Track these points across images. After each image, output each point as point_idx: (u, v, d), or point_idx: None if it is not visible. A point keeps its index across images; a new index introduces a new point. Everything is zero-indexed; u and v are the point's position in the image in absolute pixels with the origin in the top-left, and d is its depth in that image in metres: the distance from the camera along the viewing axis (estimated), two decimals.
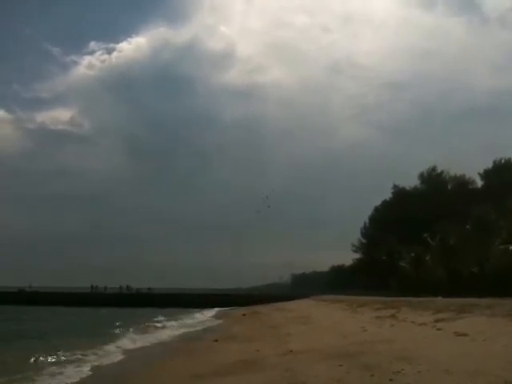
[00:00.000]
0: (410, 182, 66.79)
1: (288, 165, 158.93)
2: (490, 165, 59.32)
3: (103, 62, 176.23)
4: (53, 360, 15.68)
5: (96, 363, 15.04)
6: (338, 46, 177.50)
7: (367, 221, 71.07)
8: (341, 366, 10.00)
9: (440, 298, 29.61)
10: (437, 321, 16.07)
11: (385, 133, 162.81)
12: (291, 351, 13.26)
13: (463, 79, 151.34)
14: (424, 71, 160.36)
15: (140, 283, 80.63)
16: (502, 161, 58.23)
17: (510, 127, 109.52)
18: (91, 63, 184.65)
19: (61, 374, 13.25)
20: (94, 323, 33.60)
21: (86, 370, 13.82)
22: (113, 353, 17.70)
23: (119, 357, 16.90)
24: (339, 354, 11.60)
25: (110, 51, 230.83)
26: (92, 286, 76.47)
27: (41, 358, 15.84)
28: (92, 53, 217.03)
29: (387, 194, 69.13)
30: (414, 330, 15.38)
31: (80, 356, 16.26)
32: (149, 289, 79.20)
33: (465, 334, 12.14)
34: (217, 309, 57.32)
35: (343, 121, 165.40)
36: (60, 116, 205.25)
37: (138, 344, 21.21)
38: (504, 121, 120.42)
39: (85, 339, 21.33)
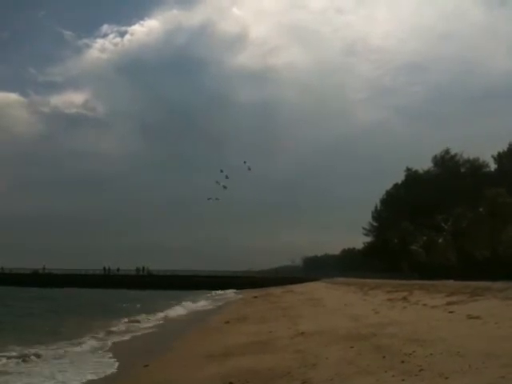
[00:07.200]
0: (425, 165, 66.27)
1: (302, 147, 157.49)
2: (505, 148, 58.57)
3: (116, 45, 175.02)
4: None
5: None
6: (354, 28, 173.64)
7: (378, 204, 70.94)
8: (352, 347, 10.02)
9: (452, 281, 29.50)
10: (449, 304, 16.04)
11: (400, 116, 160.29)
12: (302, 333, 13.31)
13: (480, 61, 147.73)
14: (440, 53, 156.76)
15: (152, 266, 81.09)
16: None
17: None
18: (104, 46, 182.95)
19: None
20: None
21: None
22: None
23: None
24: (350, 336, 11.62)
25: (122, 34, 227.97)
26: (105, 268, 77.23)
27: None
28: (104, 36, 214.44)
29: (401, 178, 68.69)
30: (426, 312, 15.37)
31: None
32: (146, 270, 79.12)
33: (477, 317, 12.10)
34: (228, 291, 57.76)
35: (358, 104, 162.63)
36: (74, 100, 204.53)
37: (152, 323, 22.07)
38: None
39: None
